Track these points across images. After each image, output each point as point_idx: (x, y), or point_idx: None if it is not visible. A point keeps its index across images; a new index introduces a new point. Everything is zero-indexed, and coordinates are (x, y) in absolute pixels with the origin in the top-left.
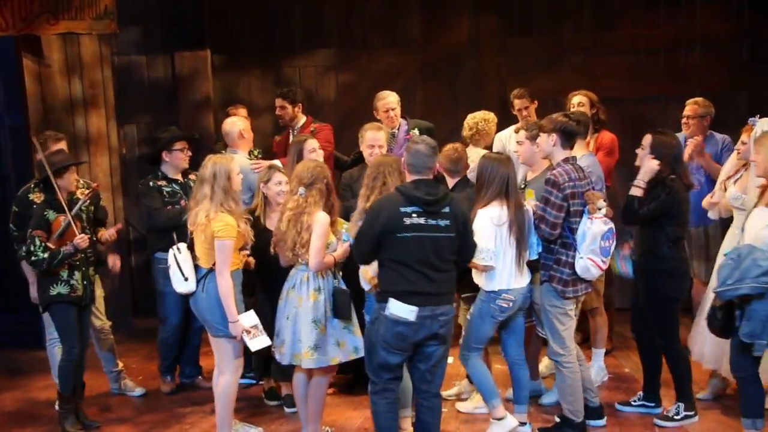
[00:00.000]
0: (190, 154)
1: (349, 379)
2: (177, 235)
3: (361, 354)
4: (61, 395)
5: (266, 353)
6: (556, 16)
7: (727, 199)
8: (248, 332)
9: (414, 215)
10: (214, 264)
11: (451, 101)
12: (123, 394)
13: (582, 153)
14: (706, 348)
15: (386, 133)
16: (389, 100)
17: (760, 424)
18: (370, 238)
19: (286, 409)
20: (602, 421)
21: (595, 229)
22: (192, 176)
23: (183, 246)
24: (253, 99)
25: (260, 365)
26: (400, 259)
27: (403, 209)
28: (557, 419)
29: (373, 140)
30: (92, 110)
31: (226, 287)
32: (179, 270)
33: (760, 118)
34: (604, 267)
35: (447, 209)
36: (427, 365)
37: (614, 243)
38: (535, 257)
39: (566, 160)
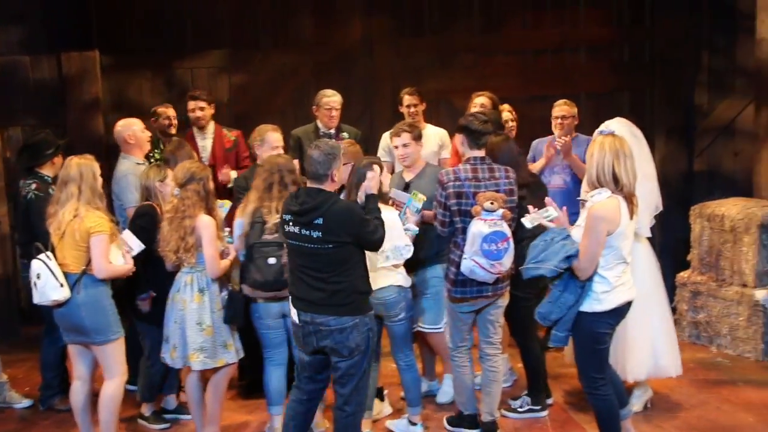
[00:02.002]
0: None
1: (246, 384)
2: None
3: (241, 355)
4: None
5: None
6: (446, 17)
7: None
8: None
9: (291, 224)
10: (87, 266)
11: (344, 101)
12: (8, 407)
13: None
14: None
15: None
16: (334, 99)
17: None
18: None
19: (182, 417)
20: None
21: (473, 230)
22: None
23: (50, 253)
24: (144, 101)
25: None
26: (289, 263)
27: (284, 216)
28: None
29: (276, 142)
30: None
31: (112, 267)
32: (53, 276)
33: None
34: (494, 271)
35: (319, 221)
36: (336, 374)
37: (509, 247)
38: (396, 262)
39: (468, 160)
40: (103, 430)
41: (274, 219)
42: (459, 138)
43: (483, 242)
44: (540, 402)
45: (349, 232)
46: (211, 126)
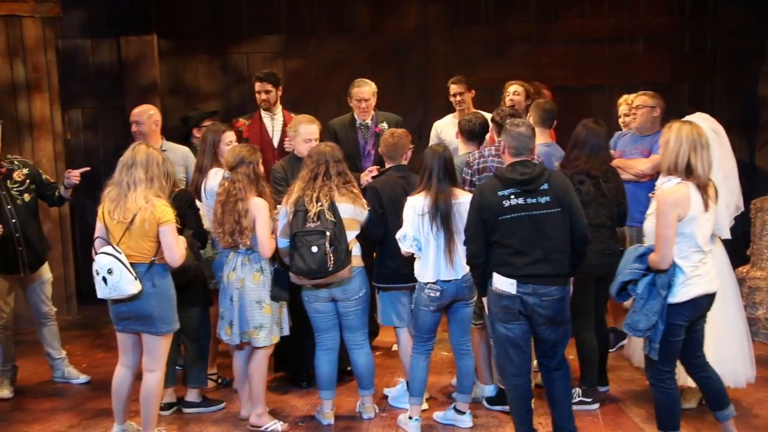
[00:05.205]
0: None
1: (300, 374)
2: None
3: (286, 332)
4: None
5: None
6: (502, 6)
7: None
8: None
9: (512, 197)
10: (155, 256)
11: (398, 89)
12: (66, 382)
13: (540, 141)
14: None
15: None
16: (364, 90)
17: None
18: (478, 230)
19: (186, 410)
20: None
21: None
22: None
23: (116, 246)
24: (200, 85)
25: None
26: (503, 240)
27: (500, 193)
28: None
29: (310, 134)
30: (35, 94)
31: (183, 253)
32: (128, 270)
33: (690, 116)
34: None
35: (545, 186)
36: (545, 345)
37: None
38: None
39: (494, 143)
40: (147, 422)
41: (315, 208)
42: (491, 126)
43: None
44: (592, 394)
45: (568, 197)
46: (279, 108)
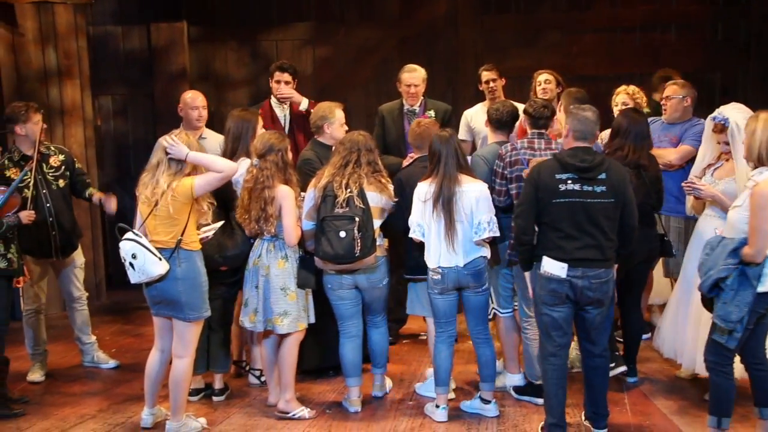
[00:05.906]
0: None
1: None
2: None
3: (312, 320)
4: None
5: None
6: None
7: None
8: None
9: (569, 182)
10: (180, 238)
11: (427, 78)
12: (96, 367)
13: None
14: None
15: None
16: (414, 75)
17: (725, 424)
18: (530, 207)
19: (215, 399)
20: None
21: None
22: None
23: (137, 231)
24: (230, 72)
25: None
26: (554, 223)
27: (558, 176)
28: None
29: (343, 118)
30: (67, 81)
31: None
32: (151, 252)
33: (723, 106)
34: None
35: (603, 176)
36: (587, 325)
37: None
38: (480, 237)
39: (526, 135)
40: (176, 407)
41: (344, 194)
42: (523, 118)
43: None
44: (615, 359)
45: (625, 189)
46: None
